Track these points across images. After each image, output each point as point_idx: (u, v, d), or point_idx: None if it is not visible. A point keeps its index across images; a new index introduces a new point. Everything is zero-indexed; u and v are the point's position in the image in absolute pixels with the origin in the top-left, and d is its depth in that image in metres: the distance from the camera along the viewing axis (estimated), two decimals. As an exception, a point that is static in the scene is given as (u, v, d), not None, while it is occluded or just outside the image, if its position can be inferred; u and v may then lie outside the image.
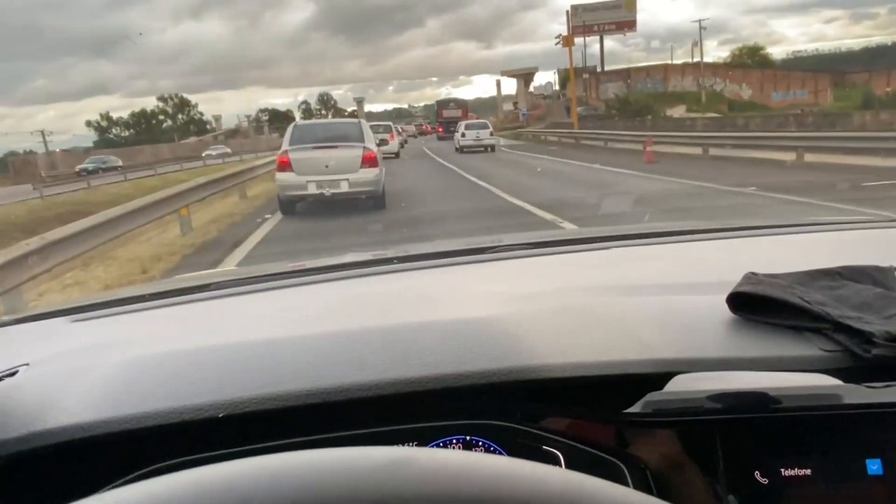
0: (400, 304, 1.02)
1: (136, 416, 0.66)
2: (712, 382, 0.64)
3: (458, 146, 28.07)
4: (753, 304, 0.77)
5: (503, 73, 70.31)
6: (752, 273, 0.84)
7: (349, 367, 0.71)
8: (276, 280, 1.27)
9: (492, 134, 28.27)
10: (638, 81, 63.77)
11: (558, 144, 30.31)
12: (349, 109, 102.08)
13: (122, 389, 0.71)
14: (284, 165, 9.54)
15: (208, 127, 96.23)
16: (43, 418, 0.66)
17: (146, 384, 0.72)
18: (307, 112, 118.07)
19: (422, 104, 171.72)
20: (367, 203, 9.99)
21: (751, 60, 71.10)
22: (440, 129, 56.16)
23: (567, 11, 67.75)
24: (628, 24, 67.52)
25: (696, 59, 65.42)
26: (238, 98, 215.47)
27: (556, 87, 79.62)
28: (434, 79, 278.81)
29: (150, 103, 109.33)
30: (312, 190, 9.44)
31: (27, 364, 0.83)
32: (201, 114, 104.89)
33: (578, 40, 67.84)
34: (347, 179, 9.40)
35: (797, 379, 0.65)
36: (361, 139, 9.94)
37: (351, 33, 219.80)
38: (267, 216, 10.48)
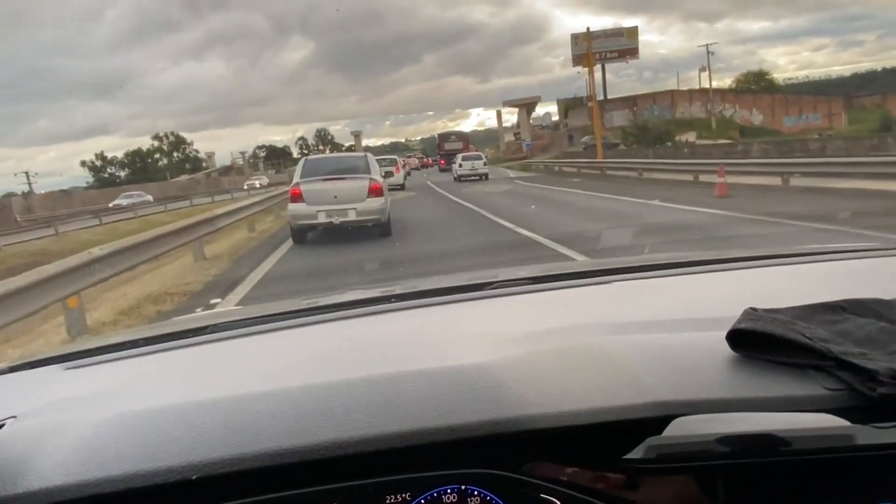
0: (390, 350, 1.01)
1: (106, 480, 0.64)
2: (714, 425, 0.62)
3: (455, 175, 31.11)
4: (754, 342, 0.74)
5: (505, 104, 67.05)
6: (752, 308, 0.81)
7: (327, 424, 0.68)
8: (273, 321, 1.26)
9: (485, 164, 31.20)
10: (644, 108, 60.61)
11: (579, 176, 26.62)
12: (346, 144, 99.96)
13: (96, 450, 0.69)
14: (296, 196, 9.86)
15: (204, 165, 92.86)
16: (14, 482, 0.65)
17: (120, 445, 0.69)
18: (304, 148, 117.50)
19: (418, 138, 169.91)
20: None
21: (755, 86, 68.19)
22: (442, 162, 54.91)
23: (582, 34, 65.35)
24: (630, 52, 64.86)
25: (704, 86, 62.52)
26: (237, 135, 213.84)
27: (556, 118, 76.81)
28: (430, 113, 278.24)
29: (149, 142, 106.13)
30: (322, 219, 9.77)
31: (15, 416, 0.81)
32: (197, 151, 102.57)
33: (582, 69, 65.35)
34: (355, 208, 9.71)
35: (802, 420, 0.62)
36: (368, 171, 10.28)
37: (348, 70, 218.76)
38: (215, 301, 6.62)
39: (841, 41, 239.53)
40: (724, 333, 0.76)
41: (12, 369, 1.14)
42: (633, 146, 36.33)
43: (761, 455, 0.60)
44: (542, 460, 0.69)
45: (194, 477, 0.64)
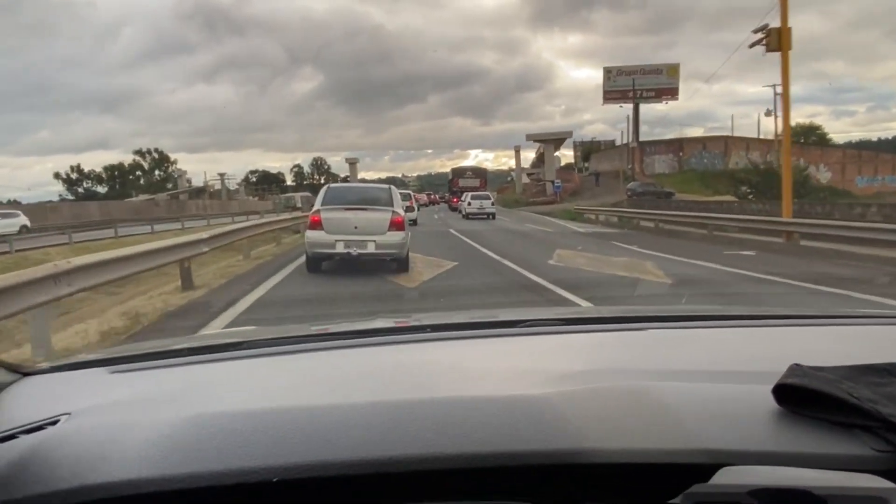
0: (443, 376, 0.98)
1: (189, 476, 0.63)
2: (761, 477, 0.60)
3: (464, 213, 30.92)
4: (800, 398, 0.71)
5: (529, 138, 55.12)
6: (797, 365, 0.77)
7: (400, 439, 0.68)
8: (311, 342, 1.23)
9: (492, 204, 30.64)
10: (691, 154, 49.68)
11: (737, 243, 14.72)
12: (342, 175, 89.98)
13: (176, 447, 0.68)
14: (315, 224, 9.28)
15: (184, 184, 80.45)
16: (95, 471, 0.64)
17: (200, 443, 0.69)
18: (299, 176, 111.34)
19: (415, 174, 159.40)
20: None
21: (803, 140, 57.46)
22: (454, 200, 44.36)
23: (616, 68, 54.60)
24: (670, 92, 54.29)
25: (757, 134, 51.64)
26: (236, 159, 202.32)
27: (564, 162, 66.17)
28: (429, 151, 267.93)
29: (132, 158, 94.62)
30: (340, 249, 9.07)
31: (69, 413, 0.79)
32: (181, 170, 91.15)
33: (627, 105, 54.38)
34: (374, 241, 9.05)
35: (848, 479, 0.59)
36: (391, 204, 9.58)
37: (354, 104, 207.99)
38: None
39: (834, 111, 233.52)
40: (768, 387, 0.73)
41: (54, 369, 1.09)
42: (746, 198, 24.49)
43: None
44: (580, 500, 0.67)
45: (274, 480, 0.63)
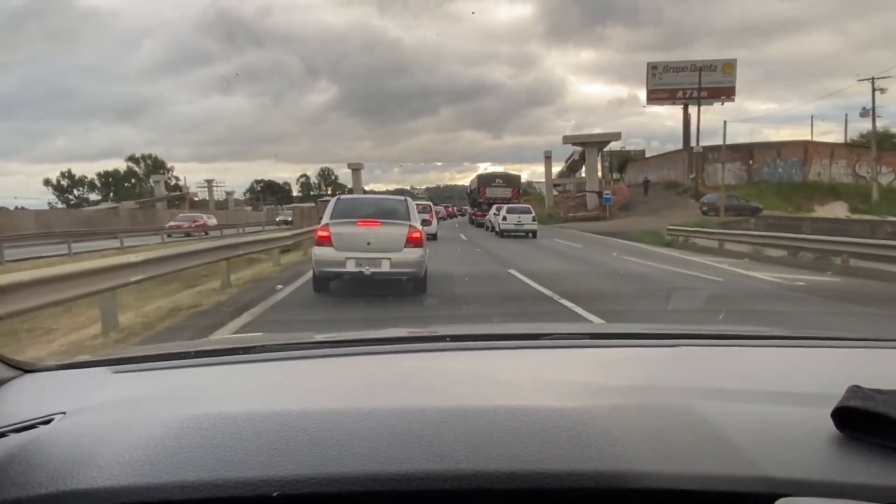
0: (467, 385, 0.88)
1: (178, 486, 0.56)
2: None
3: (498, 229, 25.52)
4: (861, 422, 0.64)
5: (566, 140, 45.53)
6: (857, 386, 0.68)
7: (422, 453, 0.60)
8: (325, 348, 1.17)
9: (534, 219, 25.07)
10: (764, 163, 40.31)
11: None
12: (348, 186, 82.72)
13: (166, 452, 0.60)
14: (324, 240, 8.18)
15: (182, 192, 71.70)
16: (75, 476, 0.58)
17: (193, 449, 0.61)
18: (306, 186, 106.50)
19: (423, 187, 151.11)
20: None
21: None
22: (479, 214, 34.87)
23: (663, 64, 45.38)
24: (726, 92, 45.24)
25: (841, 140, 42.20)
26: (247, 170, 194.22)
27: (596, 174, 56.90)
28: (439, 163, 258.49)
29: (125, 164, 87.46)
30: (351, 267, 7.99)
31: (63, 413, 0.75)
32: (177, 178, 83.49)
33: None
34: (389, 259, 8.02)
35: None
36: (407, 217, 8.58)
37: (367, 116, 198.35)
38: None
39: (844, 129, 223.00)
40: (824, 410, 0.66)
41: (60, 367, 1.07)
42: None
43: None
44: None
45: (275, 494, 0.55)
